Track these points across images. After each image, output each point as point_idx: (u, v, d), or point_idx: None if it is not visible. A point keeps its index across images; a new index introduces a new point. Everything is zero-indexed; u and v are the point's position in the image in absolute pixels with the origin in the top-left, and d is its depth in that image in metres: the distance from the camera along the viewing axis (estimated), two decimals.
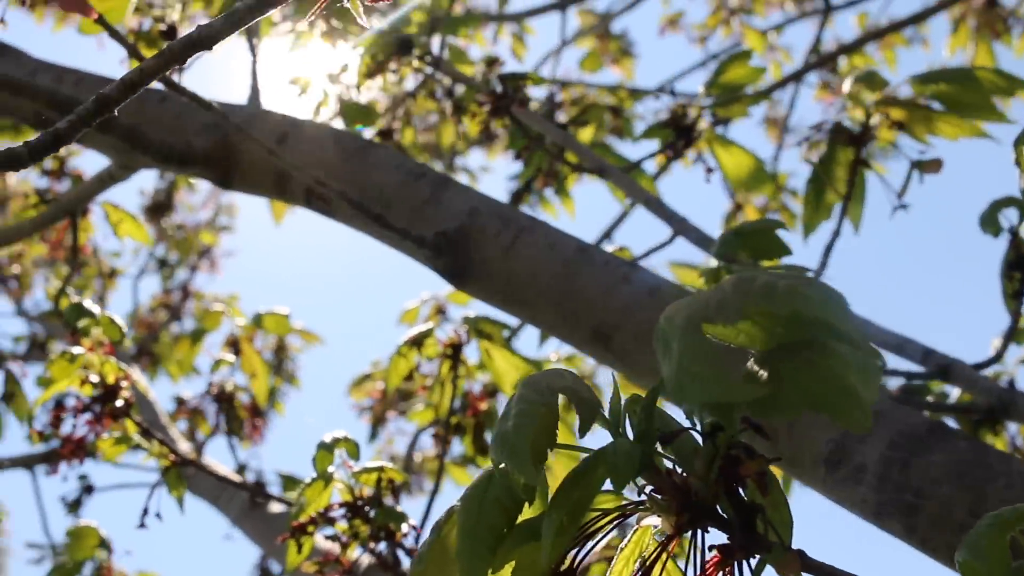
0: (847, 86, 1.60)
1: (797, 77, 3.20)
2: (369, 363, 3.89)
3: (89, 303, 1.47)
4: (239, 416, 2.12)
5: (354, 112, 2.00)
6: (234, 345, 2.76)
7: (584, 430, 0.61)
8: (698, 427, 0.64)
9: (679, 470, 0.64)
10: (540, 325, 1.30)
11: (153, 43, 1.86)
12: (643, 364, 1.18)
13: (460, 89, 1.96)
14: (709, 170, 1.79)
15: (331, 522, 1.35)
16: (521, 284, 1.25)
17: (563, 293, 1.22)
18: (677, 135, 1.77)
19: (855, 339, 0.51)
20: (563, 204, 2.21)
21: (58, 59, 1.71)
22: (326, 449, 1.29)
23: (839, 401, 0.51)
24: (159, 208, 5.01)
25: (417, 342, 1.74)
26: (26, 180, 5.03)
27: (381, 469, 1.33)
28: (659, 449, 0.63)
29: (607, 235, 3.14)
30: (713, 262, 1.36)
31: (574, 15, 4.03)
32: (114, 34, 1.24)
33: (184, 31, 1.87)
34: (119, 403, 1.51)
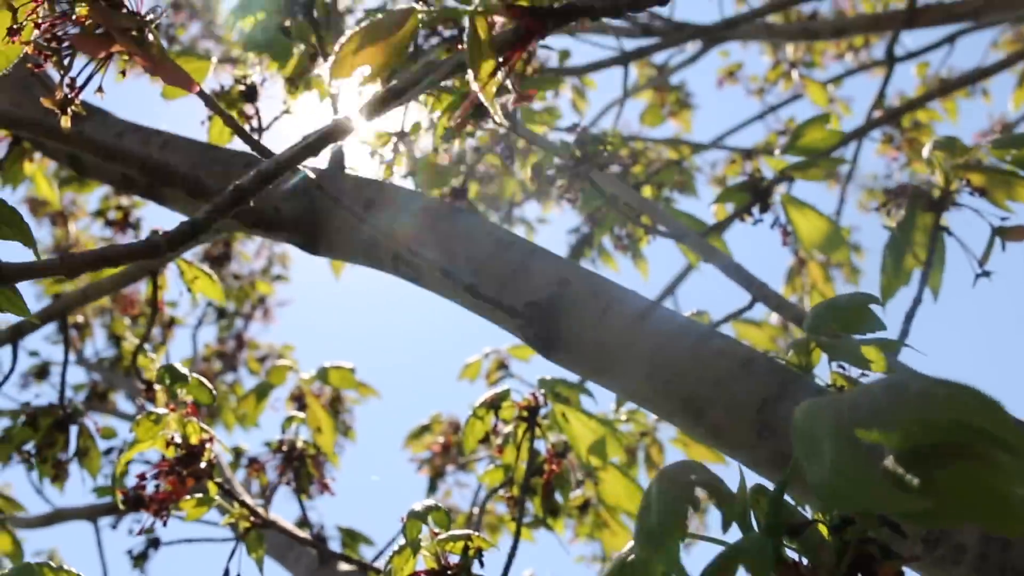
0: (926, 151, 1.60)
1: (862, 133, 3.20)
2: (421, 414, 3.90)
3: (179, 365, 1.48)
4: (309, 473, 2.12)
5: (427, 171, 2.02)
6: (299, 399, 2.78)
7: (727, 527, 0.61)
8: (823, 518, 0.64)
9: (806, 562, 0.64)
10: (630, 396, 1.30)
11: (233, 103, 1.89)
12: (737, 438, 1.17)
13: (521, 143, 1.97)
14: (786, 232, 1.79)
15: None
16: (611, 355, 1.25)
17: (654, 365, 1.22)
18: (754, 198, 1.77)
19: (1017, 448, 0.51)
20: (637, 267, 2.20)
21: (122, 103, 1.73)
22: (417, 518, 1.29)
23: (997, 511, 0.51)
24: (218, 259, 5.06)
25: (494, 405, 1.75)
26: (88, 230, 5.10)
27: (468, 537, 1.33)
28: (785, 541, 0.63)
29: (670, 291, 3.15)
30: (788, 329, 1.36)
31: (633, 67, 4.05)
32: (210, 103, 1.25)
33: (262, 91, 1.90)
34: (202, 464, 1.52)
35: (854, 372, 1.29)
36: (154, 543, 2.58)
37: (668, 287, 3.03)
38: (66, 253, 0.68)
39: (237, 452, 2.81)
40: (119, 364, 4.41)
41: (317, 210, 1.46)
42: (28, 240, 0.72)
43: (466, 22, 0.64)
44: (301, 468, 2.10)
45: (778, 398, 1.16)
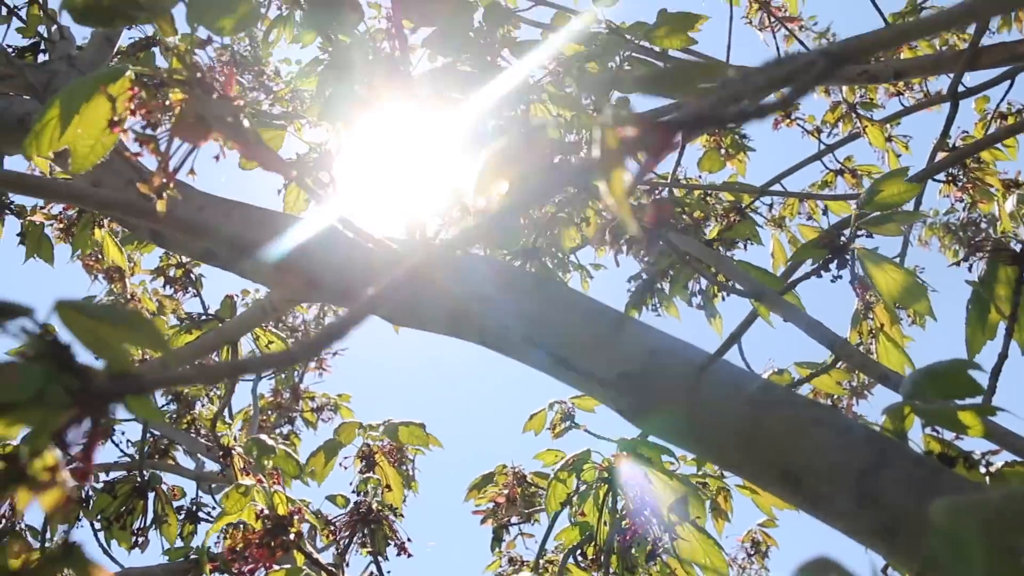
0: (1010, 205, 1.59)
1: (929, 175, 3.17)
2: (472, 461, 3.90)
3: (266, 438, 1.49)
4: (385, 534, 2.13)
5: (503, 234, 2.03)
6: (367, 457, 2.79)
7: None
8: None
9: None
10: (724, 465, 1.30)
11: (308, 171, 1.91)
12: (837, 508, 1.17)
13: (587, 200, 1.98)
14: (865, 288, 1.78)
15: None
16: (706, 424, 1.25)
17: (749, 434, 1.22)
18: (832, 254, 1.76)
19: None
20: (712, 325, 2.20)
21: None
22: None
23: None
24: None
25: (576, 467, 1.75)
26: (143, 283, 5.16)
27: None
28: None
29: (734, 340, 3.13)
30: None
31: None
32: (303, 184, 1.27)
33: (337, 156, 1.92)
34: (291, 536, 1.53)
35: (947, 435, 1.29)
36: None
37: (732, 335, 3.01)
38: (205, 363, 0.69)
39: (319, 518, 2.83)
40: (180, 420, 4.45)
41: (408, 290, 1.47)
42: (164, 347, 0.73)
43: (596, 134, 0.65)
44: (377, 530, 2.11)
45: (877, 467, 1.16)
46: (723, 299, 2.06)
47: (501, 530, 3.76)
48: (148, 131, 1.28)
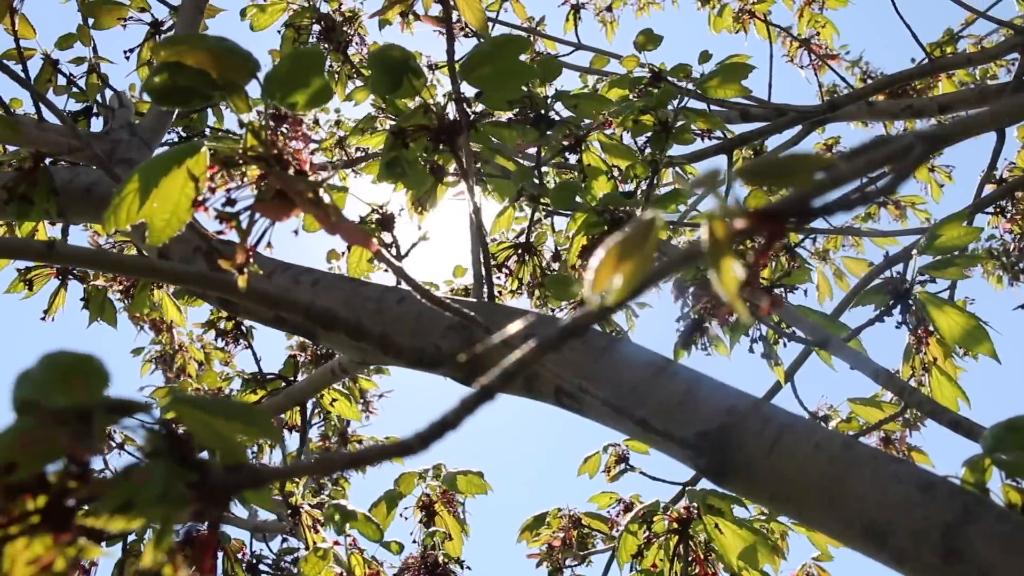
0: None
1: (978, 210, 3.17)
2: (517, 501, 3.90)
3: (345, 503, 1.51)
4: None
5: (559, 288, 2.04)
6: (427, 507, 2.80)
7: None
8: None
9: None
10: (807, 523, 1.30)
11: (371, 231, 1.93)
12: (922, 564, 1.17)
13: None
14: (929, 332, 1.79)
15: None
16: (787, 482, 1.25)
17: (832, 492, 1.22)
18: (894, 300, 1.77)
19: None
20: (774, 371, 2.20)
21: None
22: None
23: None
24: (323, 357, 5.13)
25: (646, 519, 1.76)
26: (191, 334, 5.19)
27: None
28: None
29: (787, 379, 3.13)
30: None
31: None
32: (381, 257, 1.29)
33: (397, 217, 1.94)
34: None
35: None
36: None
37: (786, 374, 3.02)
38: (323, 455, 0.71)
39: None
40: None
41: (474, 343, 1.48)
42: (278, 439, 0.75)
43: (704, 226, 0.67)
44: None
45: (962, 522, 1.16)
46: (784, 345, 2.07)
47: (557, 573, 3.76)
48: (227, 208, 1.30)
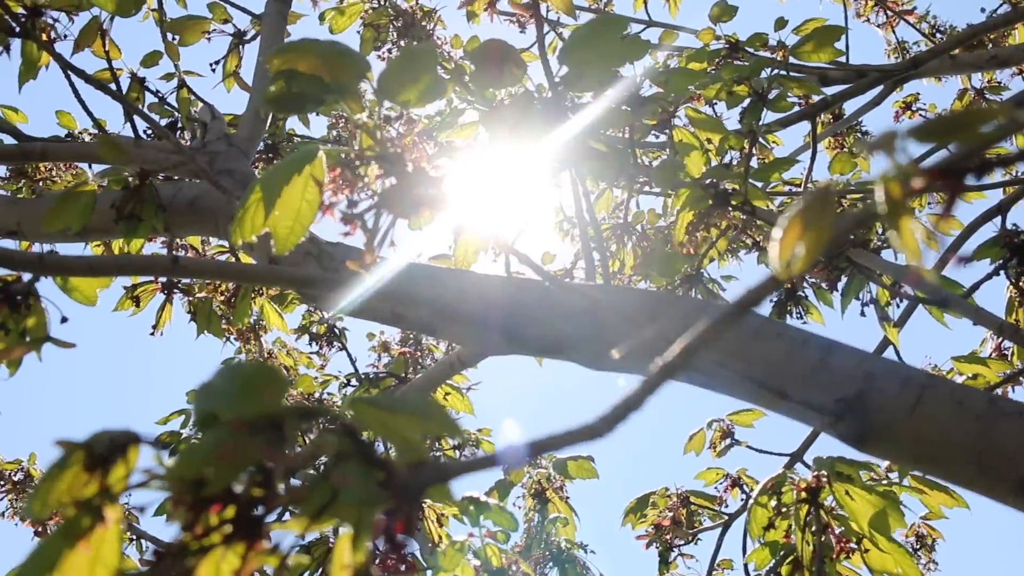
0: None
1: None
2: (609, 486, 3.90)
3: (481, 495, 1.52)
4: (577, 571, 2.15)
5: (664, 266, 2.04)
6: (539, 495, 2.81)
7: None
8: None
9: None
10: (955, 481, 1.29)
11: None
12: None
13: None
14: None
15: None
16: (931, 443, 1.24)
17: (980, 450, 1.21)
18: (1011, 253, 1.75)
19: None
20: (888, 333, 2.18)
21: None
22: None
23: None
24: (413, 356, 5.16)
25: (775, 490, 1.75)
26: (278, 340, 5.24)
27: None
28: None
29: (886, 346, 3.10)
30: None
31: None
32: (518, 255, 1.30)
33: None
34: None
35: None
36: None
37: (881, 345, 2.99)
38: (509, 445, 0.72)
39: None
40: None
41: (601, 331, 1.48)
42: (459, 433, 0.76)
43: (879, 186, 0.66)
44: (570, 568, 2.13)
45: None
46: (897, 305, 2.05)
47: (667, 552, 3.76)
48: (351, 210, 1.31)
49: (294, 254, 1.85)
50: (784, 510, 1.79)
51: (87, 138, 3.04)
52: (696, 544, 3.90)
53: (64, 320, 1.63)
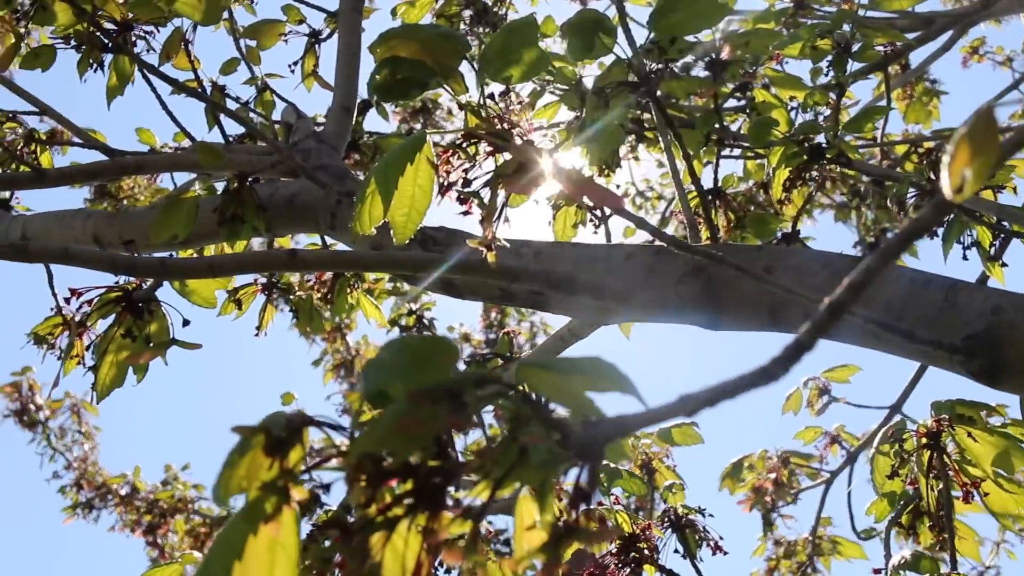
0: None
1: None
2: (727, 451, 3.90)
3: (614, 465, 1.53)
4: (697, 536, 2.15)
5: (759, 226, 2.04)
6: (646, 465, 2.81)
7: None
8: None
9: None
10: None
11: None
12: None
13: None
14: None
15: None
16: None
17: None
18: None
19: None
20: (994, 274, 2.15)
21: None
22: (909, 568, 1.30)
23: None
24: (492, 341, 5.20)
25: (896, 438, 1.75)
26: (365, 338, 5.30)
27: None
28: None
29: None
30: None
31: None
32: (630, 216, 1.31)
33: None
34: (644, 551, 1.57)
35: None
36: None
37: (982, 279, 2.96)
38: (683, 395, 0.73)
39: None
40: None
41: (714, 285, 1.49)
42: (634, 391, 0.77)
43: None
44: (689, 533, 2.13)
45: None
46: (994, 245, 2.03)
47: (769, 514, 3.76)
48: (466, 188, 1.33)
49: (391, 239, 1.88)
50: (905, 457, 1.78)
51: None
52: (795, 504, 3.90)
53: (186, 323, 1.67)
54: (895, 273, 1.38)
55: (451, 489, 0.82)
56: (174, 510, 4.59)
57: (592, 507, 0.77)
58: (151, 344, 1.63)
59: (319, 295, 2.57)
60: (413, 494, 0.80)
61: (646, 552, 1.56)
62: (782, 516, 3.95)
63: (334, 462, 0.85)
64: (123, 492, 4.75)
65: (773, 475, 3.62)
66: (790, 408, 3.51)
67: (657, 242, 1.52)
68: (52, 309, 2.53)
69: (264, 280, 2.52)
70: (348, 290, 2.58)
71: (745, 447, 3.75)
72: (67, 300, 1.69)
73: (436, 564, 0.81)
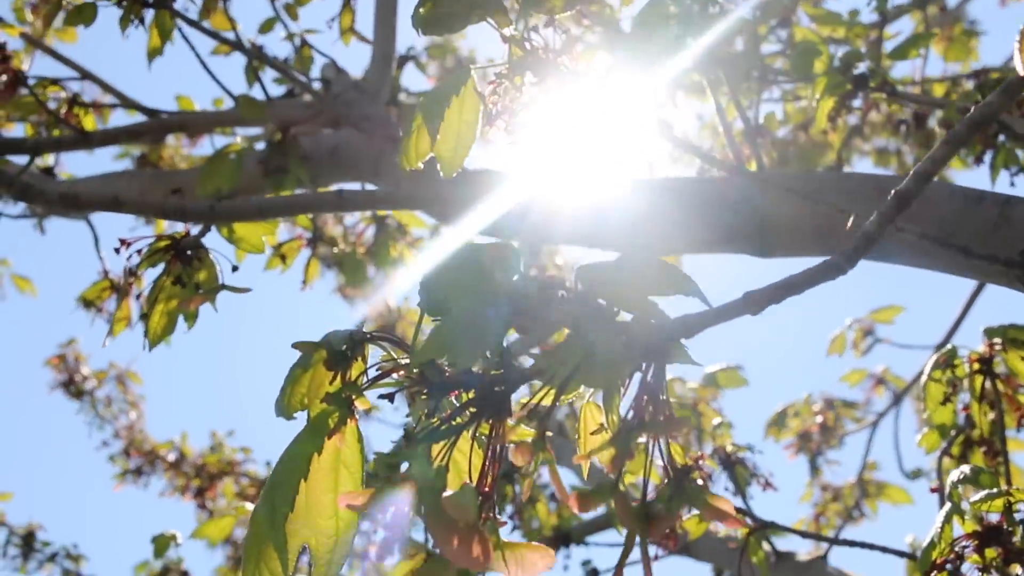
0: None
1: None
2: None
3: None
4: (746, 473, 2.15)
5: (803, 158, 2.03)
6: (693, 407, 2.82)
7: None
8: None
9: None
10: None
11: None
12: None
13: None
14: None
15: (960, 556, 1.35)
16: None
17: None
18: None
19: None
20: None
21: None
22: (963, 482, 1.30)
23: None
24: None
25: (947, 364, 1.74)
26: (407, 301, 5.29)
27: (1008, 492, 1.32)
28: None
29: None
30: None
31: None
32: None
33: None
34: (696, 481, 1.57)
35: None
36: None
37: None
38: (747, 292, 0.72)
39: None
40: None
41: (762, 215, 1.49)
42: (694, 290, 0.77)
43: None
44: (739, 470, 2.13)
45: None
46: None
47: (815, 459, 3.75)
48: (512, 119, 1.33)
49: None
50: (956, 384, 1.77)
51: None
52: (839, 449, 3.89)
53: (235, 269, 1.68)
54: (947, 190, 1.37)
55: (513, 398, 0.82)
56: (222, 473, 4.62)
57: (661, 400, 0.77)
58: (200, 291, 1.64)
59: (363, 249, 2.58)
60: (476, 403, 0.80)
61: (699, 484, 1.56)
62: (828, 462, 3.93)
63: (395, 376, 0.86)
64: (171, 458, 4.79)
65: (820, 418, 3.61)
66: (835, 350, 3.49)
67: (705, 174, 1.52)
68: (99, 273, 2.56)
69: (309, 235, 2.52)
70: (391, 243, 2.58)
71: (789, 396, 3.73)
72: (116, 251, 1.70)
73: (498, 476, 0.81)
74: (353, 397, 0.83)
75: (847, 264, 0.72)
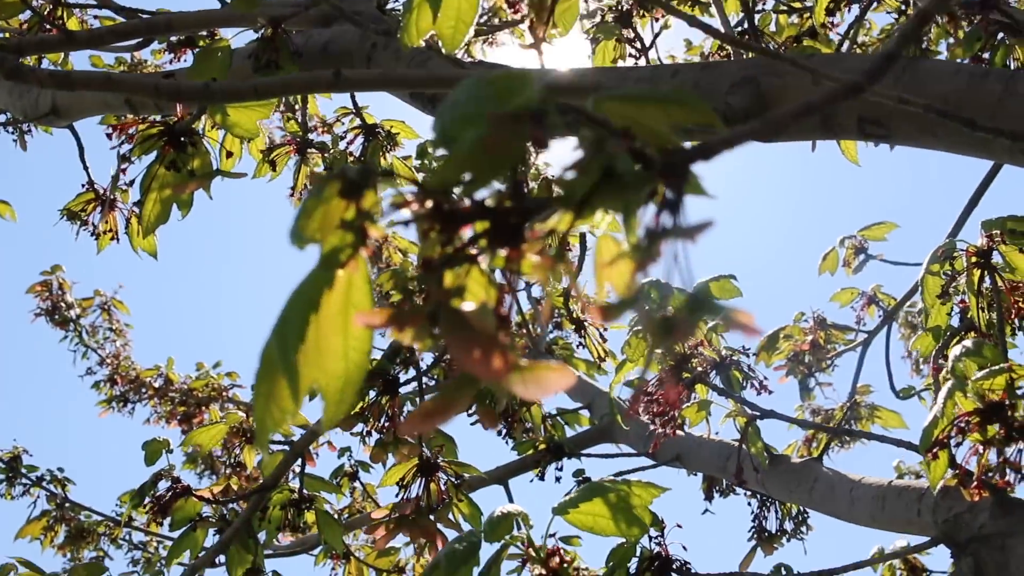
0: None
1: None
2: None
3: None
4: (740, 375, 2.15)
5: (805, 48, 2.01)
6: None
7: None
8: None
9: None
10: None
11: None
12: None
13: None
14: None
15: (962, 432, 1.35)
16: None
17: None
18: None
19: None
20: None
21: None
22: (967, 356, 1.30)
23: None
24: None
25: (946, 257, 1.74)
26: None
27: (1010, 369, 1.32)
28: None
29: None
30: None
31: None
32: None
33: None
34: (695, 372, 1.58)
35: None
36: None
37: None
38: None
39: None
40: None
41: (764, 95, 1.47)
42: (714, 121, 0.75)
43: None
44: (734, 371, 2.14)
45: None
46: None
47: (806, 380, 3.75)
48: None
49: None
50: (955, 277, 1.77)
51: None
52: (831, 373, 3.89)
53: (229, 155, 1.66)
54: (952, 68, 1.36)
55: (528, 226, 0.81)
56: (209, 400, 4.62)
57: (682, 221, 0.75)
58: (194, 177, 1.62)
59: (352, 159, 2.55)
60: (490, 233, 0.79)
61: (697, 375, 1.56)
62: (820, 384, 3.94)
63: (408, 211, 0.84)
64: (156, 385, 4.78)
65: (810, 338, 3.61)
66: (827, 268, 3.49)
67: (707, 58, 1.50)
68: (83, 185, 2.52)
69: (299, 142, 2.50)
70: (381, 153, 2.56)
71: (781, 321, 3.73)
72: (108, 136, 1.68)
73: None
74: (365, 225, 0.81)
75: (866, 83, 0.70)
